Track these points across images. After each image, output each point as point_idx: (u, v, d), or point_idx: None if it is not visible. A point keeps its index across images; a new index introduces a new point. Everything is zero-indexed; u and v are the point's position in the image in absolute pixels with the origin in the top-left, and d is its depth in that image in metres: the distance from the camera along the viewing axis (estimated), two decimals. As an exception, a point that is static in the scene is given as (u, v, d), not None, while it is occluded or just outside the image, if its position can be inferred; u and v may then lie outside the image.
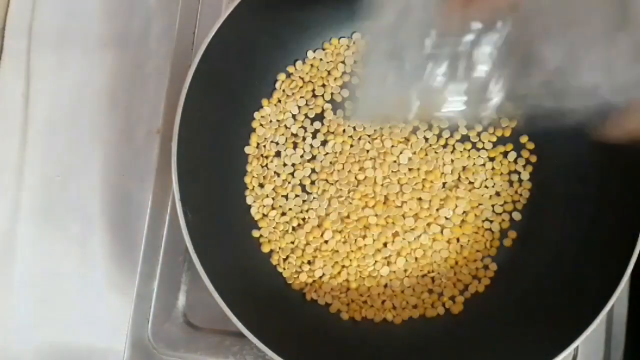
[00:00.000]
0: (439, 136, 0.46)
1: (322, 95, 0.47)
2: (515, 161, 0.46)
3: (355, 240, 0.44)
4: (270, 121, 0.46)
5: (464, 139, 0.46)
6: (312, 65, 0.47)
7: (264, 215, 0.45)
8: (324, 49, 0.47)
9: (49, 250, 0.48)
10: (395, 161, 0.45)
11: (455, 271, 0.45)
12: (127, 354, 0.44)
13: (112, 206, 0.49)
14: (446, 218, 0.45)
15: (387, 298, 0.44)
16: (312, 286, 0.44)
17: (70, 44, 0.50)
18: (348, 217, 0.45)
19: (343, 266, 0.44)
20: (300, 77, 0.47)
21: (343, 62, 0.47)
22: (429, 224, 0.45)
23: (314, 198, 0.45)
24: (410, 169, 0.45)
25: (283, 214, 0.45)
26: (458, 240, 0.45)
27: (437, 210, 0.45)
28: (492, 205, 0.45)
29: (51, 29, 0.50)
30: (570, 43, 0.29)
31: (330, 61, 0.47)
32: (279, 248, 0.45)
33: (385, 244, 0.44)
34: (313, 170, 0.46)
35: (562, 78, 0.30)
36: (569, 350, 0.37)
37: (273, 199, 0.45)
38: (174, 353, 0.44)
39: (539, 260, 0.44)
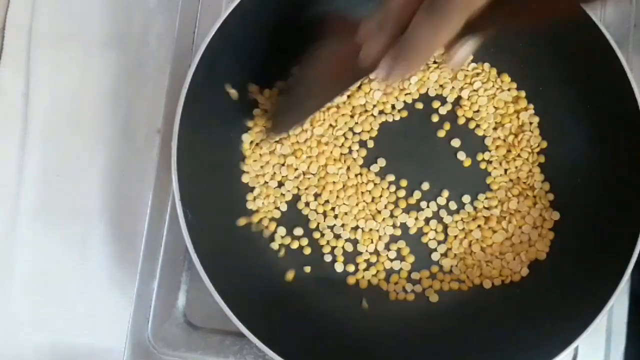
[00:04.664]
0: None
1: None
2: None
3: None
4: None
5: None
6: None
7: (264, 214, 0.45)
8: (324, 49, 0.47)
9: (49, 250, 0.48)
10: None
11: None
12: (127, 353, 0.44)
13: (112, 206, 0.49)
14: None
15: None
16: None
17: (70, 44, 0.50)
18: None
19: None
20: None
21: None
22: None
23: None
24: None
25: (283, 214, 0.45)
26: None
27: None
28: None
29: (51, 29, 0.50)
30: None
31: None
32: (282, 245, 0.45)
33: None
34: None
35: None
36: (569, 350, 0.37)
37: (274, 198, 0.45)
38: (174, 353, 0.44)
39: (538, 260, 0.44)
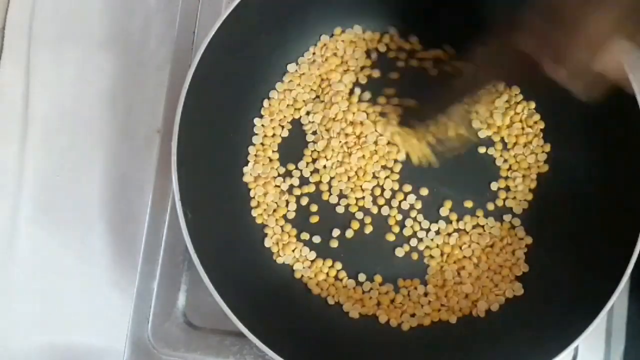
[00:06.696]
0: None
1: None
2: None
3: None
4: (272, 120, 0.46)
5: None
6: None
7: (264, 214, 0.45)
8: (323, 49, 0.47)
9: (49, 250, 0.48)
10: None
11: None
12: (127, 353, 0.44)
13: (112, 206, 0.49)
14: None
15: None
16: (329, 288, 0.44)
17: (70, 43, 0.50)
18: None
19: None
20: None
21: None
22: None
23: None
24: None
25: (284, 213, 0.45)
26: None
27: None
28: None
29: (51, 29, 0.50)
30: None
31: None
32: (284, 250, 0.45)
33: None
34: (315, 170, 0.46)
35: None
36: (569, 350, 0.37)
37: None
38: (174, 353, 0.44)
39: (538, 260, 0.44)
